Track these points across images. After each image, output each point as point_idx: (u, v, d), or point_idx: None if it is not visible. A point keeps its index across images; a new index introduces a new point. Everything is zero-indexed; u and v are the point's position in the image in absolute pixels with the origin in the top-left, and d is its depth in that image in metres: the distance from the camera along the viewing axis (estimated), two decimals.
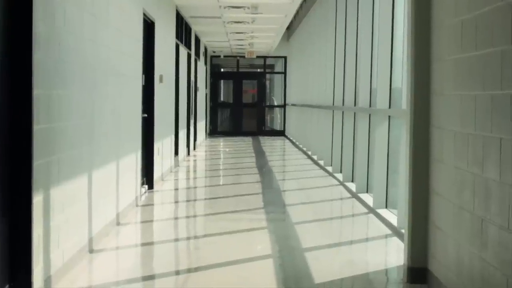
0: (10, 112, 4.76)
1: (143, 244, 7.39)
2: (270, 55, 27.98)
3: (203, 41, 22.61)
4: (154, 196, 10.44)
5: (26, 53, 4.79)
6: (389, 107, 8.95)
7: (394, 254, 6.80)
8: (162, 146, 12.07)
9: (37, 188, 4.93)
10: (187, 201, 10.81)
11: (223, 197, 10.68)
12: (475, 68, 4.59)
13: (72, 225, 5.89)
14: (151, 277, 5.91)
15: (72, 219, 5.92)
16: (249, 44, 23.85)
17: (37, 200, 4.93)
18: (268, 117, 30.19)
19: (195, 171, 15.40)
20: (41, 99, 5.00)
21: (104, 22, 7.17)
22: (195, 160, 17.17)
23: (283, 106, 28.02)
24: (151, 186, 10.84)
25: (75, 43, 5.96)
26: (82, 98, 6.26)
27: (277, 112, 30.25)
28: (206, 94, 25.79)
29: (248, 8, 14.71)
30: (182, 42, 15.70)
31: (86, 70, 6.39)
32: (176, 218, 9.09)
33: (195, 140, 19.63)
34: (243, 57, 27.41)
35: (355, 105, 11.59)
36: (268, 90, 30.91)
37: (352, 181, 11.49)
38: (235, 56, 28.03)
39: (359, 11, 11.20)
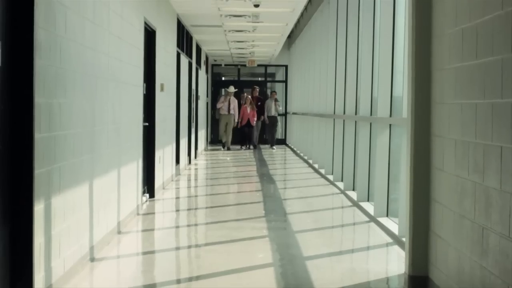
0: (11, 120, 4.76)
1: (144, 253, 7.39)
2: (271, 63, 27.98)
3: (204, 49, 22.64)
4: (155, 205, 10.44)
5: (28, 61, 4.79)
6: (390, 115, 8.96)
7: (395, 263, 6.80)
8: (163, 155, 12.07)
9: (38, 196, 4.94)
10: (188, 209, 10.80)
11: (224, 205, 10.68)
12: (475, 77, 4.60)
13: (73, 233, 5.90)
14: (152, 286, 5.90)
15: (73, 227, 5.92)
16: (250, 53, 23.88)
17: (38, 208, 4.94)
18: None
19: (196, 179, 15.40)
20: (43, 108, 5.01)
21: (105, 30, 7.18)
22: (196, 169, 17.17)
23: (284, 114, 28.01)
24: (152, 195, 10.84)
25: (76, 51, 5.97)
26: (83, 106, 6.26)
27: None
28: (207, 103, 25.81)
29: (249, 16, 14.72)
30: (183, 51, 15.72)
31: (87, 78, 6.40)
32: (177, 227, 9.09)
33: (196, 148, 19.63)
34: (244, 65, 27.42)
35: (356, 113, 11.59)
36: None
37: (353, 189, 11.49)
38: (236, 65, 28.04)
39: (360, 19, 11.22)
